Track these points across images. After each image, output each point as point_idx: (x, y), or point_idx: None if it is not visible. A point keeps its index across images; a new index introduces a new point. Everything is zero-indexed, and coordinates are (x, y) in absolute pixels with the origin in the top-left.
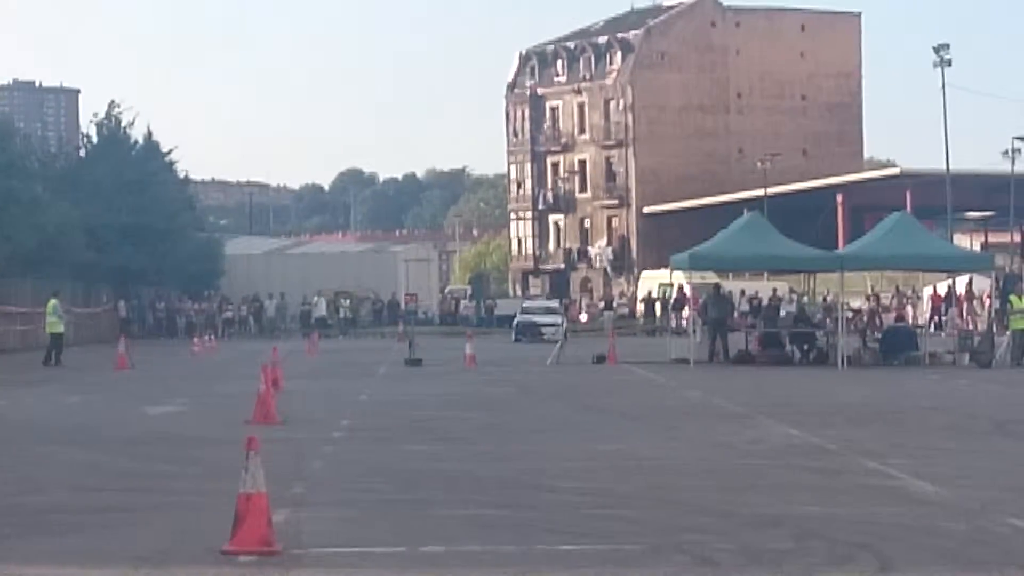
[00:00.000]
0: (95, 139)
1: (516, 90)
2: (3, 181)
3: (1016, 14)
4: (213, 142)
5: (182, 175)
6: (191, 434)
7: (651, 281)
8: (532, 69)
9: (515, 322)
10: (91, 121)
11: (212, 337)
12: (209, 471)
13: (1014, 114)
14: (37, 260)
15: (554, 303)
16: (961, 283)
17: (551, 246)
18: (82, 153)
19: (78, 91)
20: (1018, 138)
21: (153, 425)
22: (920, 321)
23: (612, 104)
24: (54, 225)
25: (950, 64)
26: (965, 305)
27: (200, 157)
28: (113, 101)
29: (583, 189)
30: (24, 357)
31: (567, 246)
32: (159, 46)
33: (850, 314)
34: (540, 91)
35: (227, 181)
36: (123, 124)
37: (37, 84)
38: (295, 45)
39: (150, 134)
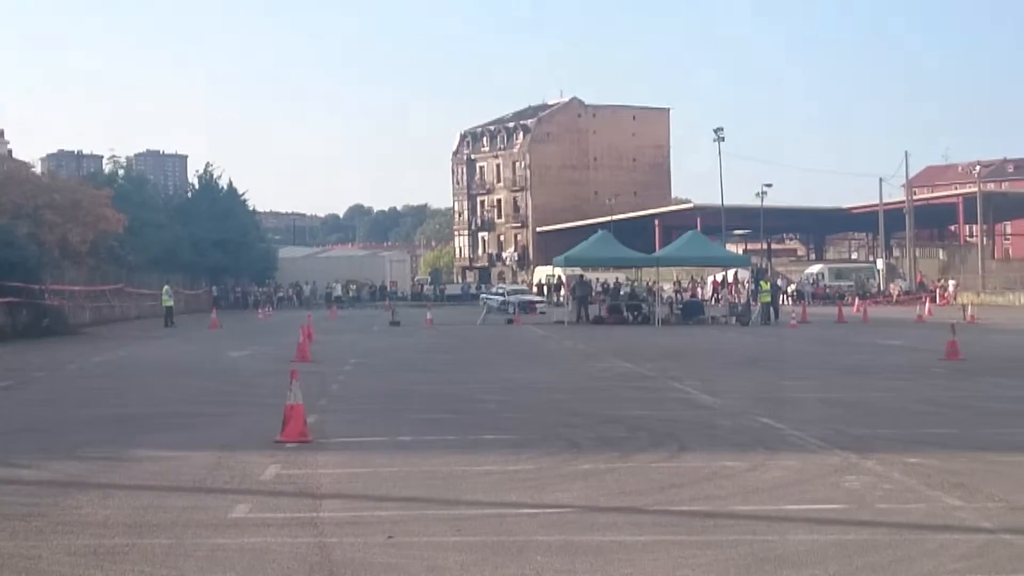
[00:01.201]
0: (197, 187)
1: (458, 155)
2: (141, 213)
3: (766, 103)
4: (271, 184)
5: (251, 207)
6: (257, 368)
7: (541, 273)
8: (468, 143)
9: (502, 302)
10: (195, 175)
11: (270, 308)
12: (268, 391)
13: (762, 169)
14: (161, 261)
15: (524, 287)
16: (731, 274)
17: (480, 251)
18: (189, 195)
19: (187, 156)
20: (765, 184)
21: (234, 363)
22: (706, 297)
23: (517, 164)
24: (171, 240)
25: (723, 139)
26: (733, 287)
27: (262, 194)
28: (208, 163)
29: (500, 216)
30: (152, 322)
31: (489, 251)
32: (232, 116)
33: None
34: (473, 156)
35: (279, 212)
36: (215, 176)
37: (160, 152)
38: (325, 116)
39: (231, 183)
